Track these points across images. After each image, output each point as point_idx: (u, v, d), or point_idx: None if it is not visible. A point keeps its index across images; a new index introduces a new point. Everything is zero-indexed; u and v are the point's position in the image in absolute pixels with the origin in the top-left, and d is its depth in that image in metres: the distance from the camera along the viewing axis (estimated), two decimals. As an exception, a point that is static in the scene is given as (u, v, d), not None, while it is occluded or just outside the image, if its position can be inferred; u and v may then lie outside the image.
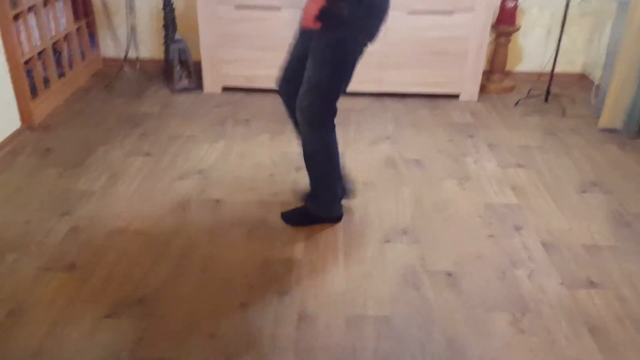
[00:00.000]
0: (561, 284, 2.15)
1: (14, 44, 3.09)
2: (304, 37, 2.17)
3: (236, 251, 2.29)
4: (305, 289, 2.10)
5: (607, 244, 2.39)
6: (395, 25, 3.65)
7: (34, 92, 3.34)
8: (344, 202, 2.51)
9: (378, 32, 2.11)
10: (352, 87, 3.78)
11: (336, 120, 3.55)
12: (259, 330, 1.90)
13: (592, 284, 2.15)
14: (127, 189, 2.71)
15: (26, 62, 3.25)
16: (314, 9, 1.95)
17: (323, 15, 1.97)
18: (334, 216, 2.48)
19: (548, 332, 1.92)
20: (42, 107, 3.43)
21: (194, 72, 3.95)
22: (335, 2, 1.95)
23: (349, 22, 2.00)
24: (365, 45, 2.11)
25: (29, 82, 3.27)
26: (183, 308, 1.99)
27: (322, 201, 2.43)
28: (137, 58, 4.14)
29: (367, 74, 3.80)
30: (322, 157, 2.30)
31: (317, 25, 2.00)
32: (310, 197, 2.45)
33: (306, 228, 2.43)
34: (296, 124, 2.32)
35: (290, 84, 2.27)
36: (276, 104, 3.74)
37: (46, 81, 3.51)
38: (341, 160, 2.37)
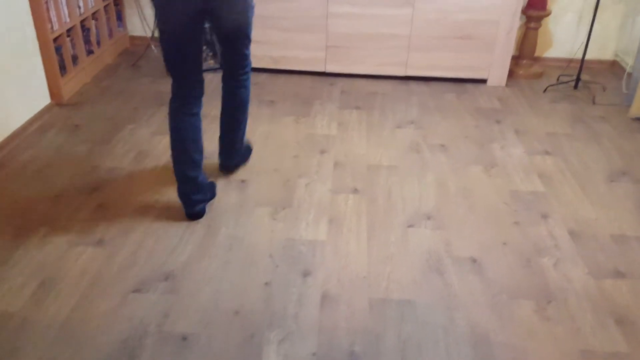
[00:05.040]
0: (587, 273, 2.12)
1: (44, 20, 3.12)
2: None
3: (261, 231, 2.31)
4: (328, 270, 2.11)
5: (635, 234, 2.35)
6: (423, 6, 3.60)
7: (62, 69, 3.38)
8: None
9: (168, 22, 2.13)
10: (376, 69, 3.85)
11: (359, 104, 3.53)
12: (282, 309, 1.92)
13: (619, 274, 2.12)
14: (154, 167, 2.74)
15: (55, 39, 3.28)
16: None
17: None
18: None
19: (573, 321, 1.91)
20: (71, 84, 3.47)
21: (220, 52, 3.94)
22: None
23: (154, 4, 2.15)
24: (164, 32, 2.16)
25: (58, 59, 3.31)
26: (209, 285, 2.02)
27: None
28: (164, 37, 4.15)
29: (392, 56, 3.77)
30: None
31: None
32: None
33: (332, 210, 2.44)
34: None
35: None
36: (302, 85, 3.74)
37: (75, 58, 3.54)
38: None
